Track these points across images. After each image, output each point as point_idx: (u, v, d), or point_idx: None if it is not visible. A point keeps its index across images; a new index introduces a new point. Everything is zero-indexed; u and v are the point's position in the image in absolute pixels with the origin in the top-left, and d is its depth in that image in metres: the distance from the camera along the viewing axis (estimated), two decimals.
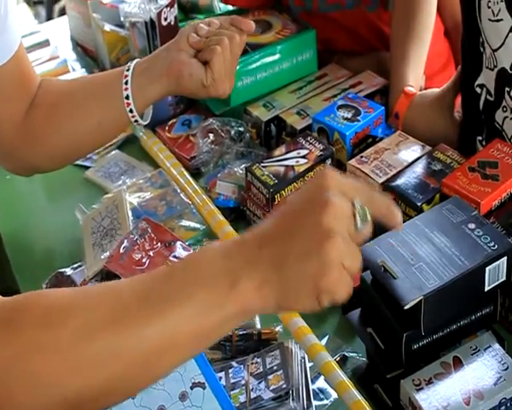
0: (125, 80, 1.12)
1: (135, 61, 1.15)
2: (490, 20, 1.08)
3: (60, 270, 1.14)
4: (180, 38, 1.14)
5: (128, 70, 1.13)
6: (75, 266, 1.15)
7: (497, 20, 1.07)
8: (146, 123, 1.17)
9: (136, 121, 1.13)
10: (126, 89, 1.11)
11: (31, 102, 1.16)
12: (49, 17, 3.03)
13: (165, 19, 1.48)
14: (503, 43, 1.07)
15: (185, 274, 0.71)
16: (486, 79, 1.13)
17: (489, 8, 1.07)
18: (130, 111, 1.12)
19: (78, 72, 1.57)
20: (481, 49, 1.12)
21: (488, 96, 1.14)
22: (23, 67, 1.16)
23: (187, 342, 0.70)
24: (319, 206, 0.69)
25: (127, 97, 1.11)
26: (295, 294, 0.69)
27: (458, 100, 1.26)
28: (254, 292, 0.69)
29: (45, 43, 1.70)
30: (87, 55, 1.68)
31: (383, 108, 1.23)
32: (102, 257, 1.12)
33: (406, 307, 0.84)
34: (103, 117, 1.14)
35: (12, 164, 1.21)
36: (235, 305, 0.69)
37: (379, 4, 1.42)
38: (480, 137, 1.18)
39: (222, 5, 1.59)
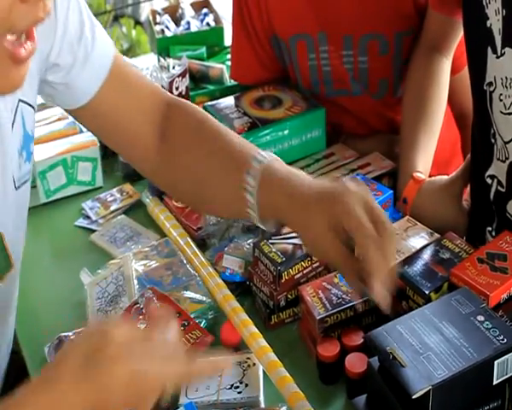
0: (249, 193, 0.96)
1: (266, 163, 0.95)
2: (502, 112, 1.09)
3: (63, 334, 1.13)
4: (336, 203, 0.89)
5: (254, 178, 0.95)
6: (79, 330, 1.13)
7: (509, 113, 1.08)
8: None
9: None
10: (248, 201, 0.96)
11: (163, 116, 1.06)
12: None
13: (177, 88, 1.50)
14: None
15: None
16: (497, 170, 1.14)
17: (501, 100, 1.08)
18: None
19: (86, 133, 1.57)
20: (492, 141, 1.13)
21: (499, 187, 1.14)
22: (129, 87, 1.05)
23: None
24: None
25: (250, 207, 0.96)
26: None
27: (466, 188, 1.27)
28: None
29: None
30: None
31: (392, 191, 1.24)
32: None
33: (414, 397, 0.84)
34: (220, 194, 1.02)
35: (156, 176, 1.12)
36: None
37: (385, 92, 1.45)
38: (489, 228, 1.19)
39: None
